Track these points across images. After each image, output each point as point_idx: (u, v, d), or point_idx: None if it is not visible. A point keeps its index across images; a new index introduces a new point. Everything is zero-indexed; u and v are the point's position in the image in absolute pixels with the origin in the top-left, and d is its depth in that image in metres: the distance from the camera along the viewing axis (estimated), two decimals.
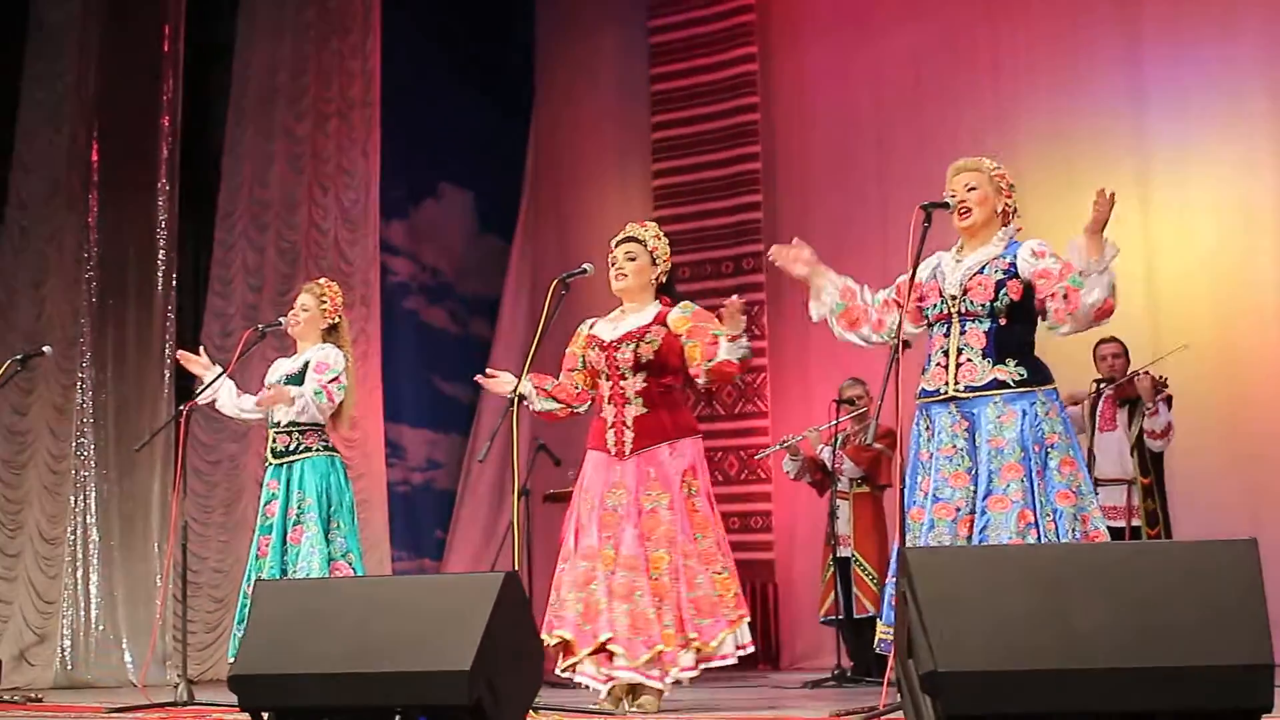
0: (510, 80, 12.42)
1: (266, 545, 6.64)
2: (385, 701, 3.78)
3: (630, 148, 11.95)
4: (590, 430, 6.04)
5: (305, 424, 6.72)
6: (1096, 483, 7.95)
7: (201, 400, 7.04)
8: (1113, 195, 4.95)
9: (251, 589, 6.53)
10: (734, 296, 5.79)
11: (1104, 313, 5.02)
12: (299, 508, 6.63)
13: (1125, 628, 3.07)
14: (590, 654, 5.68)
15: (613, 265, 6.02)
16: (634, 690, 5.74)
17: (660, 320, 5.92)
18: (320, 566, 6.50)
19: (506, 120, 12.36)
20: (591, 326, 6.10)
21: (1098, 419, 8.25)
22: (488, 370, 6.19)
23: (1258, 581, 3.11)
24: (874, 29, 11.11)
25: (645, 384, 5.86)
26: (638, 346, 5.85)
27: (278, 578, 6.45)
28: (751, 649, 5.88)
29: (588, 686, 5.80)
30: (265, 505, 6.75)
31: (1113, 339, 8.21)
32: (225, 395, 7.04)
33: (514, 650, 4.03)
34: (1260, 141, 9.62)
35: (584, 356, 6.04)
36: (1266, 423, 9.25)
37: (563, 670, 5.79)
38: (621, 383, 5.89)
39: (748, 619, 5.84)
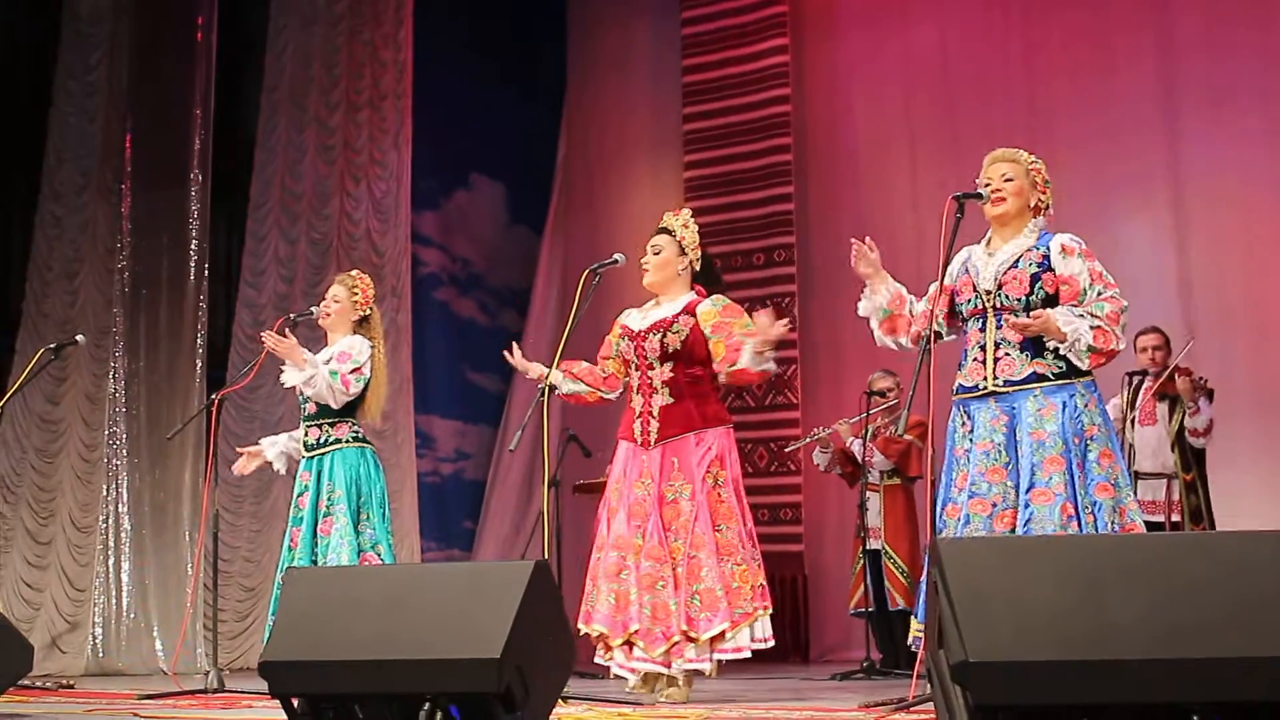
0: (542, 71, 12.42)
1: (298, 537, 6.66)
2: (414, 689, 3.78)
3: (662, 139, 11.94)
4: (621, 420, 6.06)
5: (335, 416, 6.73)
6: (1136, 476, 7.95)
7: (281, 470, 7.06)
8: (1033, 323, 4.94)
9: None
10: (767, 309, 5.78)
11: (1102, 354, 5.00)
12: (329, 499, 6.65)
13: (1159, 619, 3.05)
14: (620, 645, 5.71)
15: (641, 260, 6.05)
16: (666, 679, 5.76)
17: (689, 310, 5.93)
18: (350, 557, 6.51)
19: (538, 111, 12.37)
20: (626, 316, 6.13)
21: (1138, 412, 8.18)
22: (513, 346, 6.18)
23: None
24: (906, 21, 11.07)
25: (673, 374, 5.87)
26: (664, 336, 5.86)
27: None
28: (771, 643, 5.88)
29: (624, 678, 5.82)
30: (298, 497, 6.78)
31: (1154, 330, 8.14)
32: (292, 452, 7.04)
33: (544, 639, 4.02)
34: None
35: (617, 345, 6.06)
36: None
37: (603, 661, 5.81)
38: (649, 372, 5.90)
39: (769, 612, 5.84)
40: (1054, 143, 9.68)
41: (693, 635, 5.65)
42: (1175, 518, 7.99)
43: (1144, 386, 8.17)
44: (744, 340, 5.72)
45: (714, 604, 5.65)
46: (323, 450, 6.72)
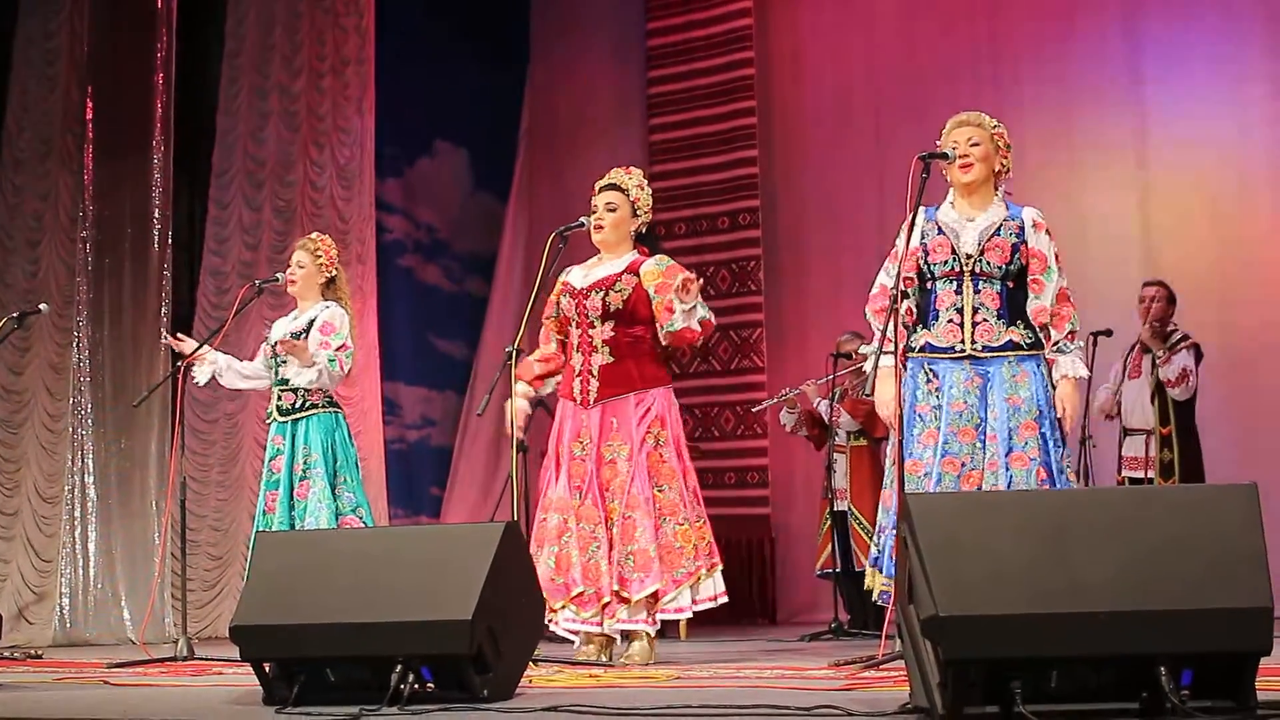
0: (506, 37, 12.36)
1: (274, 501, 6.68)
2: (387, 651, 3.79)
3: (626, 103, 11.93)
4: (562, 378, 6.05)
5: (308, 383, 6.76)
6: (1125, 431, 8.04)
7: (202, 381, 7.07)
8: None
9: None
10: (688, 275, 5.79)
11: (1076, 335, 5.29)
12: (304, 463, 6.69)
13: (1125, 572, 3.08)
14: (563, 606, 5.73)
15: (592, 214, 6.01)
16: (612, 640, 5.78)
17: (633, 270, 5.92)
18: (328, 520, 6.55)
19: (501, 77, 12.32)
20: (568, 273, 6.11)
21: (1128, 366, 8.25)
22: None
23: (1257, 526, 3.12)
24: None
25: (613, 333, 5.87)
26: (606, 295, 5.86)
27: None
28: (723, 599, 5.90)
29: (568, 640, 5.85)
30: (271, 460, 6.80)
31: (1158, 282, 8.22)
32: (228, 372, 7.05)
33: (515, 600, 4.04)
34: (1256, 95, 9.63)
35: (559, 303, 6.05)
36: (1260, 369, 9.31)
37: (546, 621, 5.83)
38: (590, 330, 5.90)
39: (718, 569, 5.86)
40: (1019, 105, 9.70)
41: (625, 595, 5.68)
42: (1150, 474, 8.06)
43: (1136, 343, 8.25)
44: (672, 299, 5.74)
45: (647, 565, 5.66)
46: (298, 415, 6.75)
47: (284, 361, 6.80)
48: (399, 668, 3.76)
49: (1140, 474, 7.95)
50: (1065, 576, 3.08)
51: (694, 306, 5.74)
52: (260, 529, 6.70)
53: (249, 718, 3.66)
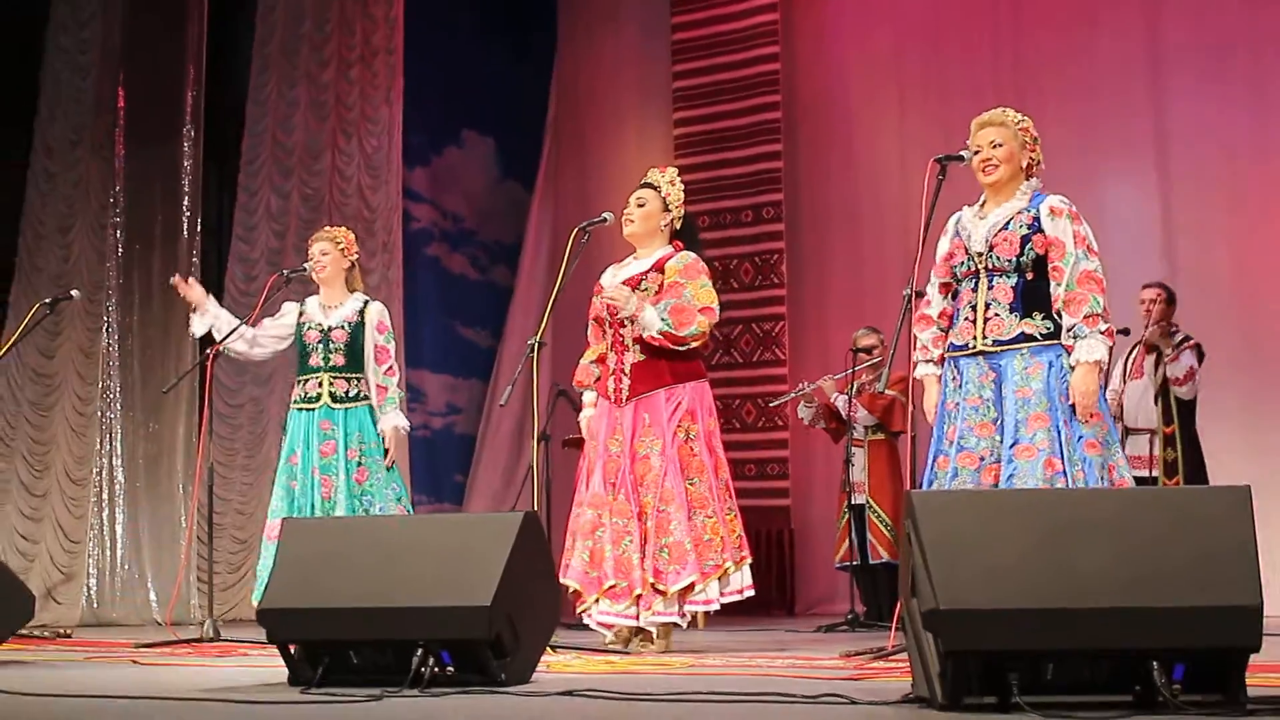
0: (533, 27, 12.48)
1: (331, 486, 6.82)
2: (407, 635, 3.91)
3: (651, 96, 12.01)
4: (599, 376, 6.16)
5: (360, 371, 7.05)
6: (1126, 431, 8.09)
7: (198, 332, 7.29)
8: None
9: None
10: (605, 294, 5.90)
11: (1099, 318, 5.16)
12: (359, 449, 6.87)
13: (1120, 569, 3.18)
14: (596, 600, 5.83)
15: (625, 211, 6.13)
16: (640, 632, 5.88)
17: (659, 267, 6.00)
18: (393, 505, 6.77)
19: (528, 67, 12.43)
20: (605, 273, 6.22)
21: (1130, 367, 8.31)
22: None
23: (1250, 527, 3.21)
24: None
25: None
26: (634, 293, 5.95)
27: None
28: (751, 592, 6.00)
29: (601, 633, 5.95)
30: (321, 444, 6.92)
31: (1158, 284, 8.27)
32: (235, 338, 7.19)
33: (533, 588, 4.16)
34: (1276, 95, 9.67)
35: (594, 302, 6.15)
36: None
37: (580, 613, 5.94)
38: (621, 330, 5.99)
39: (747, 562, 5.96)
40: (1042, 100, 9.75)
41: (660, 588, 5.77)
42: (1155, 472, 8.11)
43: (1138, 343, 8.30)
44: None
45: (682, 557, 5.75)
46: (352, 404, 6.97)
47: (340, 350, 6.97)
48: (419, 652, 3.88)
49: (1144, 473, 8.02)
50: (1062, 573, 3.18)
51: (636, 318, 5.84)
52: (314, 513, 6.82)
53: (275, 697, 3.77)
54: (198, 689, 4.10)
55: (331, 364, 7.01)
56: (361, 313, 7.06)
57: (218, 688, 4.12)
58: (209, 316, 7.18)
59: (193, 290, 7.23)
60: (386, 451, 6.92)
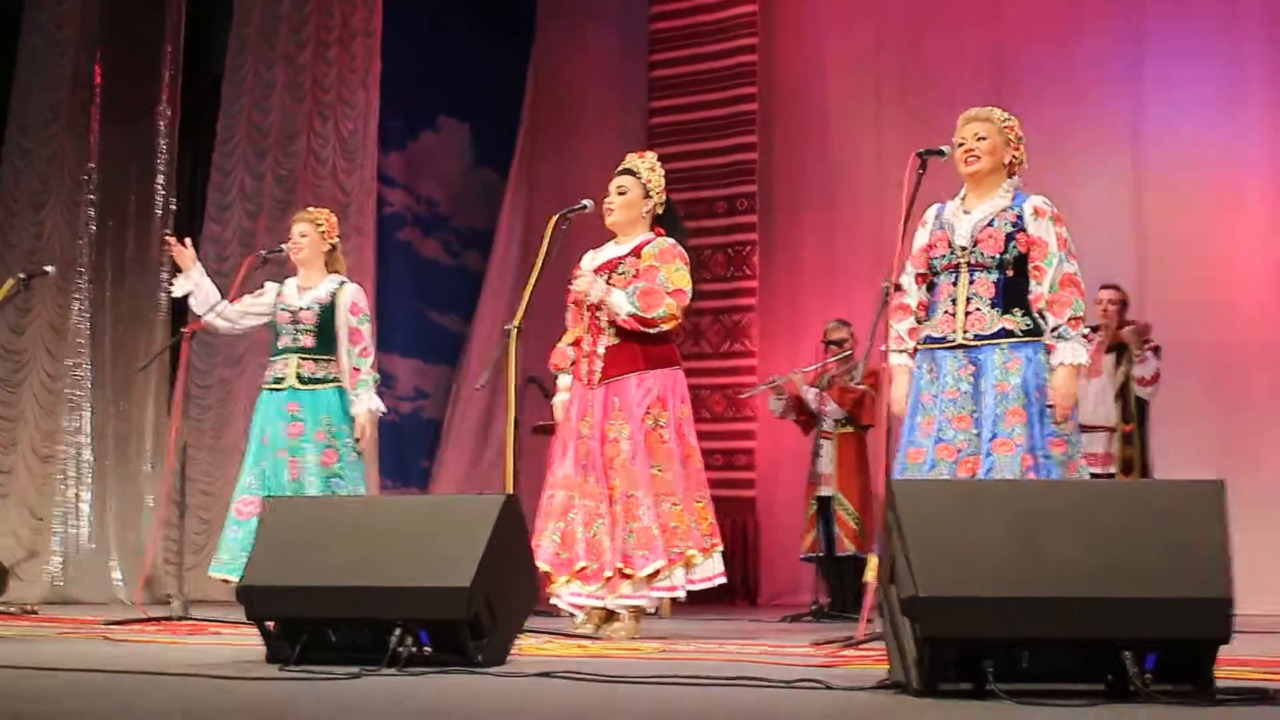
0: (511, 14, 12.47)
1: (297, 467, 6.83)
2: (386, 615, 3.94)
3: (628, 85, 12.04)
4: (574, 358, 6.18)
5: (330, 353, 7.03)
6: (1081, 429, 8.17)
7: (178, 292, 7.24)
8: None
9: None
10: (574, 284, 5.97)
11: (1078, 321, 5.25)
12: (328, 431, 6.86)
13: (1095, 560, 3.24)
14: (566, 581, 5.86)
15: (605, 200, 6.15)
16: (611, 617, 5.91)
17: (636, 252, 6.03)
18: (361, 486, 6.78)
19: (506, 54, 12.42)
20: (585, 257, 6.24)
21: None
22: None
23: (1223, 521, 3.27)
24: None
25: None
26: (610, 277, 5.98)
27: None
28: (721, 580, 6.03)
29: (571, 615, 5.98)
30: (288, 425, 6.92)
31: (1114, 286, 8.35)
32: (215, 312, 7.19)
33: (511, 570, 4.19)
34: (1252, 103, 9.77)
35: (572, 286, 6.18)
36: (1246, 371, 9.48)
37: (550, 594, 5.96)
38: (597, 312, 6.01)
39: (717, 550, 5.99)
40: (1018, 99, 9.79)
41: (628, 572, 5.80)
42: (1111, 469, 8.21)
43: (1094, 341, 8.37)
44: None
45: (650, 542, 5.77)
46: (320, 385, 6.95)
47: (311, 330, 6.97)
48: (398, 631, 3.91)
49: (1099, 469, 8.11)
50: (1039, 563, 3.24)
51: (605, 303, 5.88)
52: (255, 494, 6.82)
53: (254, 674, 3.80)
54: (177, 665, 4.11)
55: (300, 345, 7.01)
56: (334, 295, 7.04)
57: (195, 664, 4.13)
58: (190, 282, 7.16)
59: (184, 254, 7.22)
60: (360, 438, 6.93)
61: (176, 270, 7.33)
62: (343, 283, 7.11)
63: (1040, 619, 3.18)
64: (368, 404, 6.95)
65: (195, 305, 7.21)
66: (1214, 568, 3.20)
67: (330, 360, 7.00)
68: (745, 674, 3.77)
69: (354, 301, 7.05)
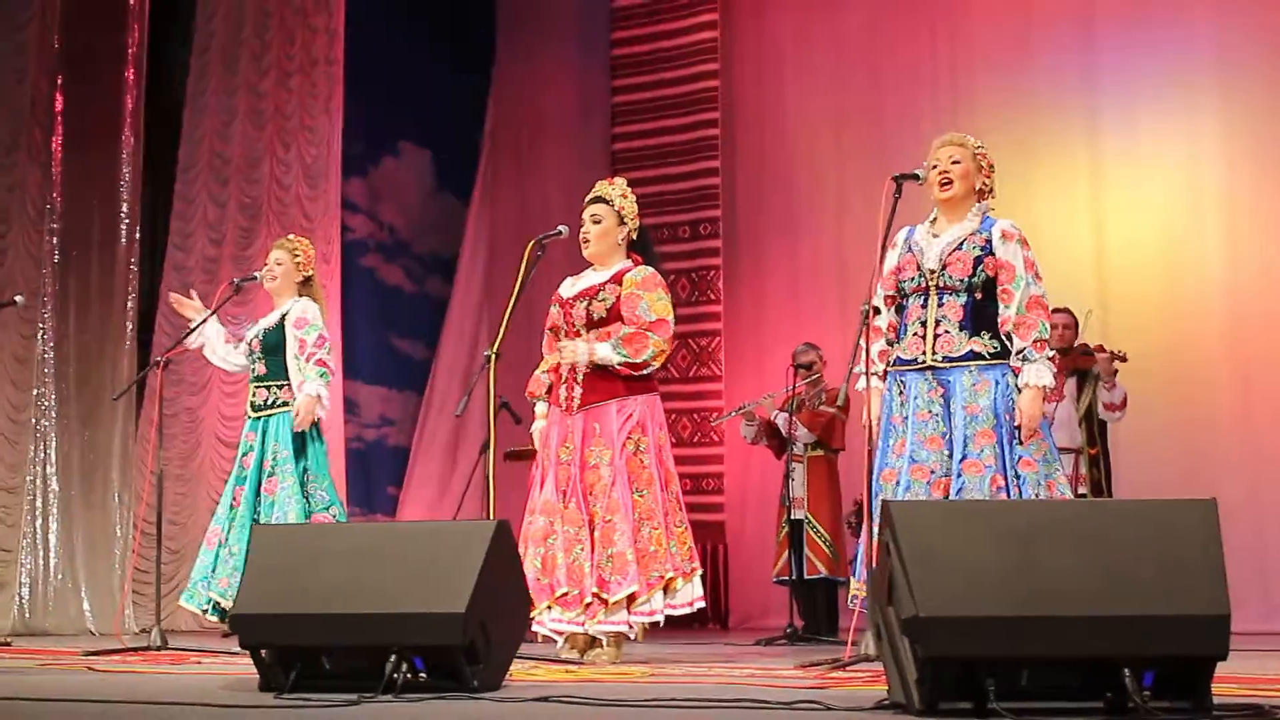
0: (472, 41, 12.51)
1: (240, 495, 6.79)
2: (382, 641, 3.93)
3: (590, 111, 12.09)
4: (552, 385, 6.19)
5: (283, 379, 6.92)
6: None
7: (192, 344, 7.22)
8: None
9: (224, 536, 6.72)
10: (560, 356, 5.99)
11: (1044, 343, 5.31)
12: (274, 460, 6.79)
13: (1093, 579, 3.28)
14: (548, 607, 5.86)
15: (580, 229, 6.15)
16: (595, 642, 5.92)
17: (617, 280, 6.04)
18: (297, 516, 6.65)
19: (467, 80, 12.47)
20: (562, 284, 6.26)
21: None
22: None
23: (1217, 539, 3.31)
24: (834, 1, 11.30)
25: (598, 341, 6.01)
26: (590, 304, 5.99)
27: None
28: (700, 604, 6.04)
29: (552, 640, 5.98)
30: (242, 456, 6.92)
31: (1065, 309, 8.44)
32: (216, 341, 7.19)
33: (504, 596, 4.20)
34: (1207, 118, 9.89)
35: (551, 312, 6.20)
36: (1207, 389, 9.57)
37: (531, 620, 5.96)
38: (576, 337, 6.03)
39: (697, 574, 6.01)
40: (976, 122, 9.91)
41: (604, 597, 5.81)
42: (1082, 490, 8.30)
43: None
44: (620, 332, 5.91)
45: (624, 568, 5.78)
46: (269, 411, 6.88)
47: (261, 358, 6.94)
48: (393, 657, 3.91)
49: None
50: (1037, 582, 3.27)
51: (594, 361, 5.91)
52: (225, 523, 6.82)
53: (252, 703, 3.78)
54: (169, 695, 4.09)
55: (256, 374, 7.00)
56: (283, 316, 6.97)
57: (189, 693, 4.11)
58: (202, 336, 7.20)
59: (188, 309, 7.22)
60: (296, 415, 6.80)
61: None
62: (297, 299, 7.03)
63: (1040, 637, 3.22)
64: (309, 390, 6.79)
65: (206, 350, 7.23)
66: (1210, 585, 3.24)
67: (282, 385, 6.90)
68: (744, 697, 3.79)
69: (299, 317, 6.92)
